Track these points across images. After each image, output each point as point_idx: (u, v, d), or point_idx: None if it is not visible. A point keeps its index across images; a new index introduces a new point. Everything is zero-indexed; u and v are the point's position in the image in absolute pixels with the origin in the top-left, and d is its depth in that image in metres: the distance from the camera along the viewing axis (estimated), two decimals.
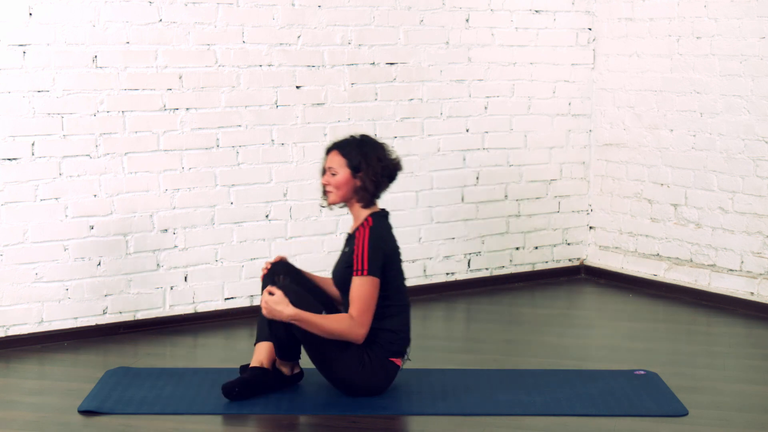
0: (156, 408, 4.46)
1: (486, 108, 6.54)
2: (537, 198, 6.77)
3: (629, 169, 6.68)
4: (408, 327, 4.62)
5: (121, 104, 5.51)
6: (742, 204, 6.04)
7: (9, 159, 5.29)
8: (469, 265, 6.60)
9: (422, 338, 5.69)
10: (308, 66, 5.96)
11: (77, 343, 5.47)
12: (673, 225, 6.45)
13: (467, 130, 6.50)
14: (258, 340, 4.65)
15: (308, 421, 4.31)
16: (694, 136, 6.29)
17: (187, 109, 5.68)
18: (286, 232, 6.01)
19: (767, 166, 5.92)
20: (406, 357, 4.63)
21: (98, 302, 5.58)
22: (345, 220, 6.14)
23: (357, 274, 4.44)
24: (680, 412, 4.41)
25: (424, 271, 6.45)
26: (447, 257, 6.52)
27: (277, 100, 5.90)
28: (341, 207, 4.68)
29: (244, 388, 4.50)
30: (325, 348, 4.42)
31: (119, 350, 5.36)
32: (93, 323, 5.57)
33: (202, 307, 5.83)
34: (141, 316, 5.69)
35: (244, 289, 5.89)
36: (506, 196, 6.67)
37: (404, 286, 4.63)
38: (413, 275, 6.40)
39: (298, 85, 5.95)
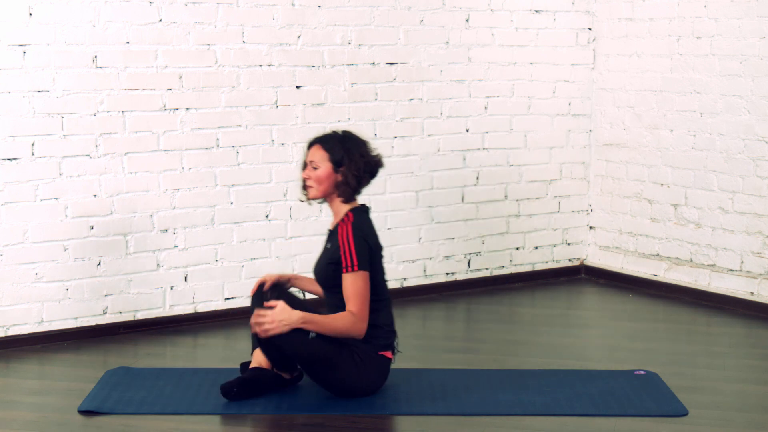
0: (156, 408, 4.46)
1: (486, 108, 6.54)
2: (537, 198, 6.77)
3: (629, 169, 6.68)
4: (392, 320, 4.63)
5: (121, 104, 5.51)
6: (742, 204, 6.04)
7: (9, 159, 5.29)
8: (469, 265, 6.60)
9: (422, 338, 5.69)
10: (308, 66, 5.96)
11: (77, 343, 5.47)
12: (673, 225, 6.45)
13: (467, 130, 6.50)
14: (254, 348, 4.64)
15: (308, 421, 4.30)
16: (694, 136, 6.29)
17: (187, 109, 5.68)
18: (286, 232, 6.01)
19: (767, 166, 5.91)
20: (396, 349, 4.63)
21: (98, 302, 5.58)
22: None
23: (347, 271, 4.43)
24: (680, 412, 4.41)
25: (424, 271, 6.45)
26: (447, 257, 6.52)
27: (277, 100, 5.90)
28: (320, 203, 4.66)
29: (243, 388, 4.50)
30: (318, 358, 4.41)
31: (119, 350, 5.36)
32: (93, 323, 5.57)
33: (202, 307, 5.83)
34: (141, 316, 5.69)
35: (244, 289, 5.89)
36: (506, 196, 6.67)
37: (384, 280, 4.64)
38: (413, 275, 6.41)
39: (298, 85, 5.95)
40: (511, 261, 6.73)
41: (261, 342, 4.48)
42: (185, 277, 5.78)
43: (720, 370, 5.00)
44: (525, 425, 4.30)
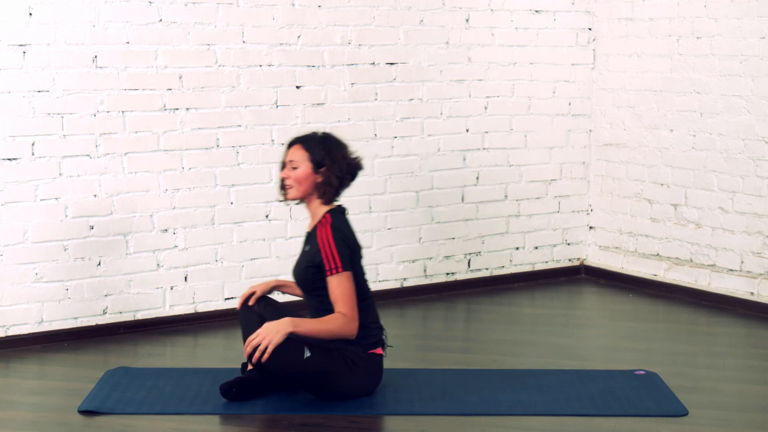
0: (156, 408, 4.46)
1: (486, 108, 6.54)
2: (537, 198, 6.77)
3: (629, 169, 6.68)
4: (377, 317, 4.61)
5: (121, 104, 5.51)
6: (742, 204, 6.04)
7: (9, 159, 5.29)
8: (469, 265, 6.60)
9: (422, 338, 5.69)
10: (308, 66, 5.96)
11: (77, 343, 5.47)
12: (673, 225, 6.45)
13: (467, 130, 6.50)
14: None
15: (308, 421, 4.30)
16: (694, 136, 6.29)
17: (187, 109, 5.68)
18: (286, 232, 6.01)
19: (767, 166, 5.92)
20: (386, 345, 4.62)
21: (98, 302, 5.58)
22: None
23: (332, 273, 4.42)
24: (680, 412, 4.41)
25: (424, 271, 6.45)
26: (447, 257, 6.52)
27: (277, 100, 5.90)
28: (297, 204, 4.64)
29: (243, 388, 4.49)
30: (315, 374, 4.40)
31: (119, 350, 5.36)
32: (93, 323, 5.57)
33: (202, 307, 5.83)
34: (141, 316, 5.69)
35: (244, 289, 5.88)
36: (506, 196, 6.67)
37: (365, 278, 4.62)
38: (413, 275, 6.41)
39: (298, 85, 5.95)
40: (511, 261, 6.73)
41: (257, 369, 4.44)
42: (185, 277, 5.78)
43: (720, 370, 5.00)
44: (525, 425, 4.30)
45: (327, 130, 4.75)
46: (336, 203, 4.59)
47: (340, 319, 4.40)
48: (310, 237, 4.55)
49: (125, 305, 5.64)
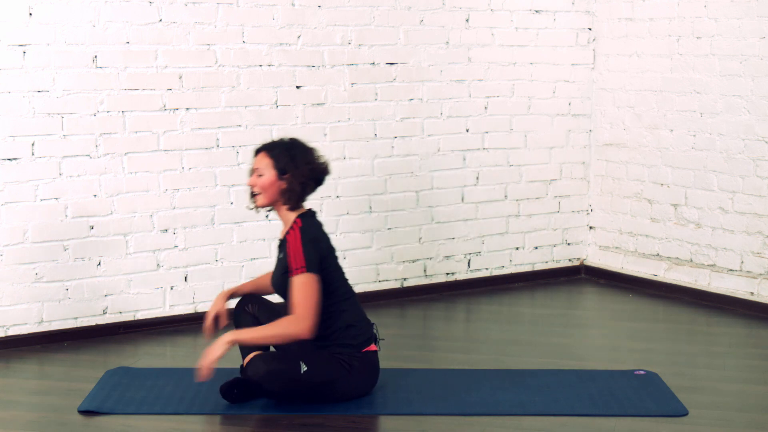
0: (156, 408, 4.46)
1: (486, 108, 6.54)
2: (537, 198, 6.78)
3: (629, 169, 6.68)
4: (363, 314, 4.59)
5: (121, 104, 5.51)
6: (742, 204, 6.04)
7: (9, 159, 5.29)
8: (469, 265, 6.60)
9: (422, 338, 5.69)
10: (308, 66, 5.96)
11: (77, 343, 5.47)
12: (673, 225, 6.45)
13: (467, 130, 6.50)
14: (244, 354, 4.60)
15: (308, 421, 4.30)
16: (694, 136, 6.29)
17: (187, 109, 5.68)
18: None
19: (767, 166, 5.92)
20: (378, 339, 4.61)
21: (98, 302, 5.58)
22: (345, 221, 6.14)
23: (294, 274, 4.38)
24: (680, 412, 4.41)
25: (425, 271, 6.45)
26: (447, 257, 6.52)
27: (277, 100, 5.90)
28: (269, 211, 4.62)
29: (243, 389, 4.49)
30: (315, 386, 4.39)
31: (119, 350, 5.37)
32: (93, 323, 5.57)
33: (202, 307, 5.83)
34: (141, 316, 5.69)
35: None
36: (506, 196, 6.67)
37: (344, 277, 4.59)
38: (413, 275, 6.41)
39: (298, 85, 5.95)
40: (510, 261, 6.73)
41: (260, 386, 4.45)
42: (185, 277, 5.78)
43: (720, 370, 5.00)
44: (525, 425, 4.30)
45: (293, 136, 4.69)
46: (306, 207, 4.56)
47: (287, 319, 4.34)
48: (283, 244, 4.53)
49: (125, 305, 5.65)
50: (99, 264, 5.56)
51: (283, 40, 5.88)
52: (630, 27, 6.61)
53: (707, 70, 6.19)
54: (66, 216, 5.45)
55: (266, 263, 5.94)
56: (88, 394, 4.61)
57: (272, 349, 4.61)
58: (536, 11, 6.63)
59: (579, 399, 4.55)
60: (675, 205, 6.42)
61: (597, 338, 5.67)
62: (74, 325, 5.53)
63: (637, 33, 6.56)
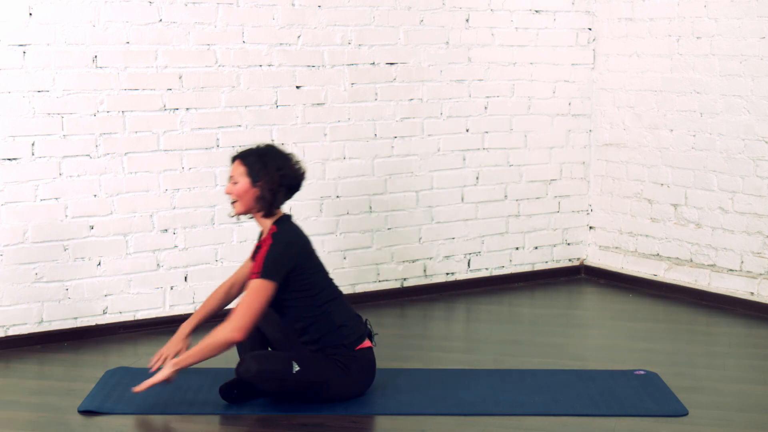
0: (156, 408, 4.46)
1: (486, 108, 6.54)
2: (537, 198, 6.77)
3: (629, 169, 6.68)
4: (352, 312, 4.57)
5: (121, 104, 5.51)
6: (742, 204, 6.04)
7: (9, 159, 5.29)
8: (469, 265, 6.60)
9: (422, 338, 5.69)
10: (308, 66, 5.96)
11: (77, 343, 5.47)
12: (673, 225, 6.45)
13: (467, 130, 6.50)
14: (241, 353, 4.59)
15: (308, 421, 4.30)
16: (694, 136, 6.29)
17: (187, 109, 5.68)
18: None
19: (767, 166, 5.92)
20: (372, 334, 4.60)
21: (98, 302, 5.58)
22: (345, 221, 6.14)
23: (250, 278, 4.37)
24: (680, 412, 4.41)
25: (424, 271, 6.45)
26: (447, 257, 6.52)
27: (277, 100, 5.90)
28: (250, 218, 4.58)
29: (243, 389, 4.48)
30: (306, 383, 4.39)
31: (119, 350, 5.37)
32: (93, 323, 5.57)
33: None
34: (141, 316, 5.69)
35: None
36: (506, 196, 6.67)
37: (328, 278, 4.57)
38: (413, 275, 6.41)
39: (298, 85, 5.95)
40: (510, 261, 6.73)
41: (251, 389, 4.45)
42: (185, 277, 5.78)
43: (720, 370, 5.00)
44: (525, 425, 4.30)
45: (270, 142, 4.68)
46: (282, 212, 4.53)
47: (219, 326, 4.33)
48: (257, 250, 4.51)
49: (125, 305, 5.64)
50: (99, 264, 5.55)
51: (283, 40, 5.88)
52: (630, 27, 6.61)
53: (707, 70, 6.19)
54: (66, 216, 5.45)
55: None
56: (88, 394, 4.61)
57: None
58: (536, 11, 6.63)
59: (579, 399, 4.55)
60: (675, 205, 6.42)
61: (597, 338, 5.67)
62: (74, 325, 5.53)
63: (637, 33, 6.56)
